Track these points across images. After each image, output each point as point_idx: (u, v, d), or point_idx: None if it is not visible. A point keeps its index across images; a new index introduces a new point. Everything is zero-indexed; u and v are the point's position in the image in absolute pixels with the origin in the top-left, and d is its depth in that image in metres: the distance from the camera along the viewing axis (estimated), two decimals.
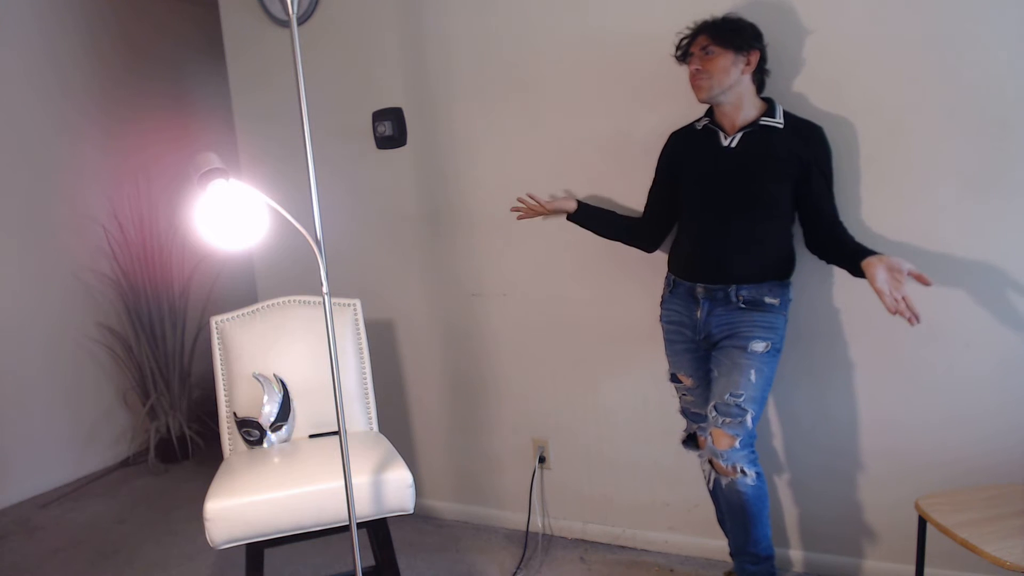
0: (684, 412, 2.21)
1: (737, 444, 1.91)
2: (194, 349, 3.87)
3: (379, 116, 2.74)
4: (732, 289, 1.99)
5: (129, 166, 3.86)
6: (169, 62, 4.17)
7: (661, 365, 2.42)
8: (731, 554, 2.13)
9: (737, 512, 1.97)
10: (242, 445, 2.26)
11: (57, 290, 3.58)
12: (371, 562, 2.12)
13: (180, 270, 3.87)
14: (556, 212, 2.33)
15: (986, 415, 2.03)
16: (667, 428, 2.46)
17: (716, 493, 2.13)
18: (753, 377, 1.94)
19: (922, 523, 1.75)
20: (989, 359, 2.01)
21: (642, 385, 2.47)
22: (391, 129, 2.72)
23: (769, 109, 1.99)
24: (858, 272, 1.82)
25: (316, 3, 2.80)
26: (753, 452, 1.95)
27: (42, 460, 3.52)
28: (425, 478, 2.94)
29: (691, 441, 2.22)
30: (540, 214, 2.36)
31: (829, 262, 1.99)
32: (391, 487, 1.96)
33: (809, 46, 2.09)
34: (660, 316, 2.19)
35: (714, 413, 1.96)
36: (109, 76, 3.84)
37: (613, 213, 2.31)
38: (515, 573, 2.47)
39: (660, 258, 2.36)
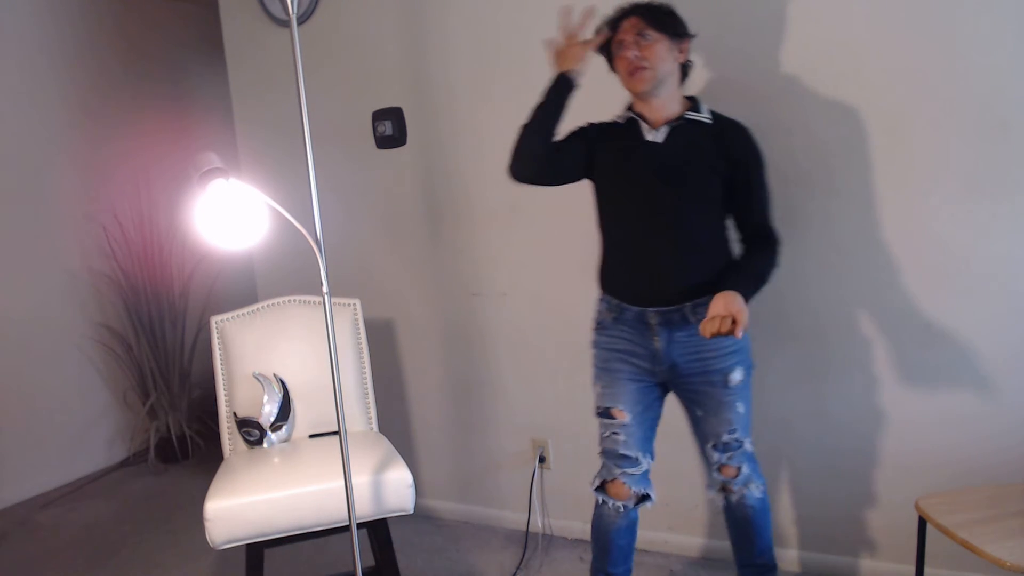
0: (607, 454, 1.90)
1: (745, 468, 1.89)
2: (194, 349, 3.87)
3: (379, 116, 2.74)
4: (687, 308, 1.80)
5: (129, 166, 3.85)
6: (168, 62, 4.17)
7: None
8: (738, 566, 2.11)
9: (743, 526, 1.93)
10: (242, 445, 2.26)
11: (57, 290, 3.58)
12: (371, 562, 2.12)
13: (180, 270, 3.87)
14: (571, 56, 1.87)
15: (986, 415, 2.02)
16: (666, 428, 2.45)
17: (619, 533, 1.95)
18: (740, 409, 1.85)
19: (922, 523, 1.74)
20: (989, 359, 2.01)
21: None
22: (391, 129, 2.72)
23: (694, 105, 1.86)
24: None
25: (316, 3, 2.80)
26: (757, 464, 1.93)
27: (42, 460, 3.51)
28: (425, 478, 2.94)
29: (603, 488, 1.92)
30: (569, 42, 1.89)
31: None
32: (391, 487, 1.95)
33: (811, 45, 2.09)
34: (595, 342, 1.94)
35: (716, 454, 1.88)
36: (108, 77, 3.84)
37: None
38: (515, 573, 2.47)
39: None
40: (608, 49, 1.89)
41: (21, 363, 3.44)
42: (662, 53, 1.79)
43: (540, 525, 2.69)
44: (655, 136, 1.83)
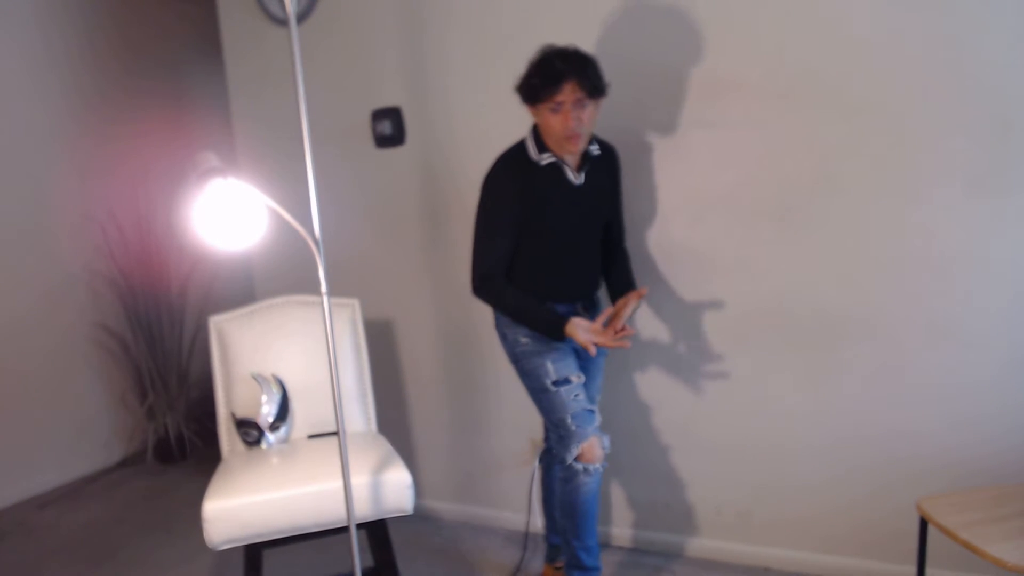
0: (576, 417, 2.00)
1: None
2: (192, 349, 3.86)
3: (378, 115, 2.74)
4: (596, 297, 2.20)
5: (127, 166, 3.85)
6: (167, 61, 4.16)
7: (658, 365, 2.42)
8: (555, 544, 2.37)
9: (595, 504, 2.09)
10: (240, 445, 2.25)
11: (55, 290, 3.57)
12: (370, 563, 2.11)
13: (178, 270, 3.86)
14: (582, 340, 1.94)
15: (987, 416, 2.02)
16: (665, 428, 2.45)
17: (583, 492, 2.06)
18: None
19: (923, 524, 1.74)
20: (990, 360, 2.00)
21: (640, 385, 2.47)
22: (390, 128, 2.71)
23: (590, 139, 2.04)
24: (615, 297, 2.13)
25: (315, 2, 2.79)
26: None
27: (40, 461, 3.51)
28: (424, 479, 2.94)
29: (579, 457, 2.00)
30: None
31: (607, 281, 2.20)
32: (390, 488, 1.95)
33: (811, 45, 2.09)
34: (531, 334, 2.04)
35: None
36: (107, 76, 3.83)
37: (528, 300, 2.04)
38: (515, 574, 2.47)
39: (659, 257, 2.36)
40: (534, 95, 1.92)
41: (19, 363, 3.43)
42: (593, 115, 1.95)
43: (540, 526, 2.68)
44: (579, 180, 2.02)
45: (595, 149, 2.06)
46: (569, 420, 2.01)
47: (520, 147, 2.03)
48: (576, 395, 2.03)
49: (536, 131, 2.02)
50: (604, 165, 2.10)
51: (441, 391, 2.86)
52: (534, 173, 1.99)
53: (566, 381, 2.03)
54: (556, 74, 1.85)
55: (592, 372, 2.18)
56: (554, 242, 2.04)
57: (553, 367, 2.04)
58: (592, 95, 1.89)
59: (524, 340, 2.07)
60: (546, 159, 1.99)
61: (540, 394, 2.06)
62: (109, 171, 3.79)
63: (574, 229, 2.05)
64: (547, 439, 2.37)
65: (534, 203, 1.99)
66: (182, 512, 3.13)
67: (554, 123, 1.91)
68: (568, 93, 1.85)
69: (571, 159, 2.01)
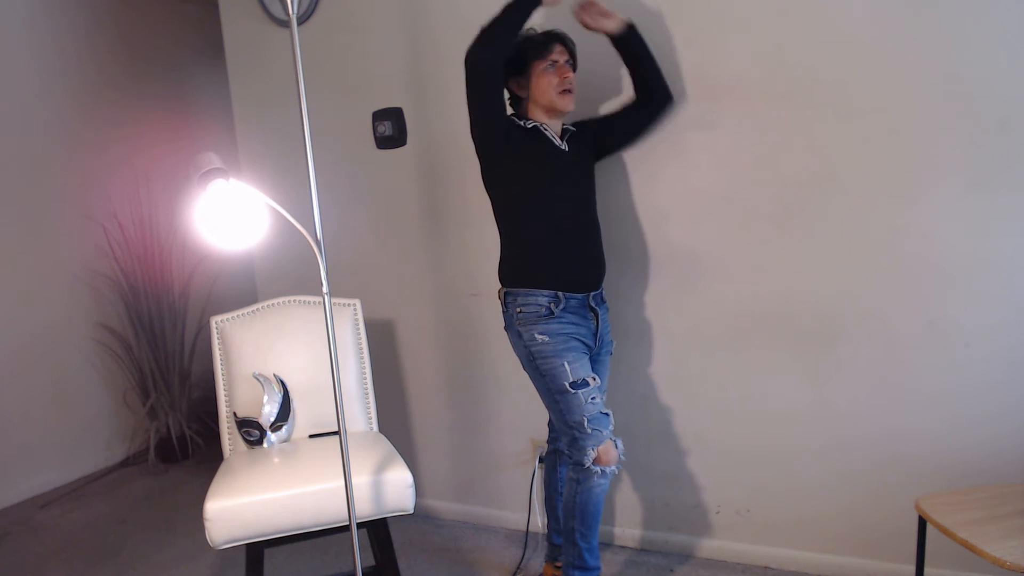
0: (593, 420, 2.00)
1: None
2: (194, 349, 3.87)
3: (379, 116, 2.74)
4: (603, 290, 2.18)
5: (130, 166, 3.86)
6: (169, 63, 4.17)
7: (657, 365, 2.43)
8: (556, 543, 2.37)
9: (602, 506, 2.10)
10: (242, 445, 2.26)
11: (57, 290, 3.59)
12: (371, 562, 2.12)
13: (180, 270, 3.87)
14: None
15: (986, 417, 2.02)
16: (666, 428, 2.46)
17: (590, 495, 2.07)
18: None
19: (922, 523, 1.75)
20: (990, 360, 2.01)
21: (640, 385, 2.47)
22: (391, 129, 2.72)
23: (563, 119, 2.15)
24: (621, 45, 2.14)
25: (316, 3, 2.80)
26: None
27: (42, 460, 3.52)
28: (425, 478, 2.94)
29: (596, 460, 2.01)
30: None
31: (643, 84, 2.18)
32: (391, 487, 1.96)
33: (810, 46, 2.09)
34: (543, 331, 2.03)
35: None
36: (109, 77, 3.84)
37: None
38: (515, 573, 2.48)
39: (659, 257, 2.36)
40: (532, 52, 2.06)
41: (21, 363, 3.44)
42: (575, 85, 2.10)
43: (540, 525, 2.69)
44: (564, 146, 2.10)
45: (571, 128, 2.17)
46: (586, 423, 2.00)
47: None
48: (593, 397, 2.01)
49: (516, 111, 2.13)
50: (581, 139, 2.18)
51: (442, 391, 2.86)
52: (521, 131, 2.08)
53: (584, 383, 2.01)
54: (546, 37, 2.08)
55: (599, 372, 2.17)
56: (550, 209, 2.05)
57: (570, 368, 2.02)
58: (572, 56, 2.11)
59: (540, 338, 2.03)
60: (530, 123, 2.08)
61: (558, 396, 2.03)
62: (111, 172, 3.81)
63: (572, 200, 2.09)
64: (550, 439, 2.37)
65: (524, 155, 2.06)
66: (184, 511, 3.14)
67: (550, 79, 2.05)
68: (559, 53, 2.07)
69: (554, 127, 2.10)
